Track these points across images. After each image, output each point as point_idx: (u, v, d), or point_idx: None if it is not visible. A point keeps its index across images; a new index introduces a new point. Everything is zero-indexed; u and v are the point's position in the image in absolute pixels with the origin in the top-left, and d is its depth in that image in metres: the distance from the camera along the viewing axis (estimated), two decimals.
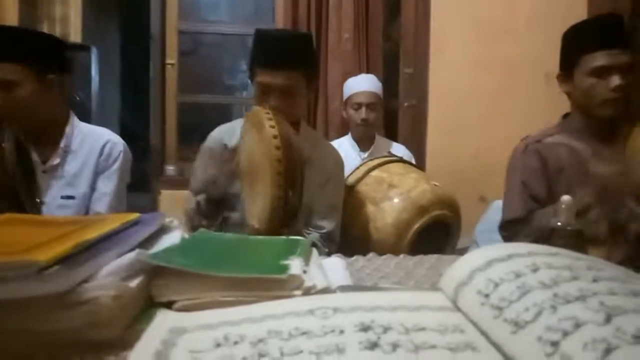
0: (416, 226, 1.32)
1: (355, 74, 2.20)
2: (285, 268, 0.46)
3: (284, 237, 0.64)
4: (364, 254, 0.78)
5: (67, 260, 0.38)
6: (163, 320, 0.39)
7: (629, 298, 0.28)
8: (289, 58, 1.21)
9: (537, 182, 1.25)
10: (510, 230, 1.28)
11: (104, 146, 1.44)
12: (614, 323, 0.26)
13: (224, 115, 2.86)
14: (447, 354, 0.30)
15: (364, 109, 2.02)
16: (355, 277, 0.58)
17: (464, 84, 2.38)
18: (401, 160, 1.58)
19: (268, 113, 0.99)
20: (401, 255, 0.72)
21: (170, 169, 2.54)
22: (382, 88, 2.12)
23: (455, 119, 2.39)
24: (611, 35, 1.21)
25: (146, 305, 0.44)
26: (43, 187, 1.32)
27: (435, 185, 1.42)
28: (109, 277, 0.40)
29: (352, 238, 1.38)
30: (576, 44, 1.26)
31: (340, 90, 2.22)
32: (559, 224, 0.65)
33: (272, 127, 0.94)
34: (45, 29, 2.45)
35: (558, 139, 1.30)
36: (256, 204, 1.01)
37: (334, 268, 0.56)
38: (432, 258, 0.69)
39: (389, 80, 2.38)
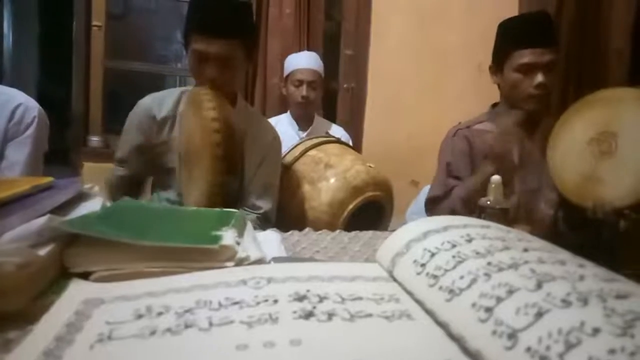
0: (351, 206, 1.34)
1: (295, 51, 2.16)
2: (217, 238, 0.44)
3: (217, 209, 0.61)
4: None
5: None
6: (77, 291, 0.35)
7: (556, 266, 0.29)
8: (228, 26, 1.16)
9: (462, 164, 1.32)
10: (432, 207, 1.35)
11: (15, 110, 1.30)
12: (545, 289, 0.26)
13: (156, 85, 2.71)
14: (383, 322, 0.30)
15: (305, 86, 2.00)
16: (290, 251, 0.56)
17: (401, 69, 2.43)
18: (338, 141, 1.59)
19: (207, 94, 0.94)
20: (337, 231, 0.72)
21: (94, 140, 2.37)
22: (322, 66, 2.10)
23: (391, 103, 2.43)
24: (539, 33, 1.28)
25: (58, 276, 0.40)
26: None
27: (371, 167, 1.44)
28: (13, 243, 0.36)
29: (288, 217, 1.37)
30: (507, 39, 1.33)
31: (279, 66, 2.17)
32: (489, 202, 0.68)
33: (212, 109, 0.89)
34: None
35: (485, 126, 1.37)
36: (193, 188, 0.96)
37: (268, 241, 0.55)
38: (367, 234, 0.69)
39: (329, 60, 2.37)
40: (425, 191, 1.82)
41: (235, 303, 0.31)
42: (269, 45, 2.30)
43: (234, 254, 0.43)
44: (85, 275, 0.40)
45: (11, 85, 1.44)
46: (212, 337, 0.27)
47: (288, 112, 2.10)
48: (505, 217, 0.66)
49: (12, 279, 0.33)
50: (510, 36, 1.32)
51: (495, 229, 0.38)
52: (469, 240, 0.34)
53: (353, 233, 0.69)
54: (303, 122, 2.06)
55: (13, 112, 1.30)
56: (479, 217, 0.66)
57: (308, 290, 0.33)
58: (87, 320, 0.31)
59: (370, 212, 1.41)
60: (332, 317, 0.30)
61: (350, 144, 1.88)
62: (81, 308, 0.32)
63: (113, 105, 2.41)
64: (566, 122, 1.15)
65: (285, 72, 2.08)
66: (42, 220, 0.40)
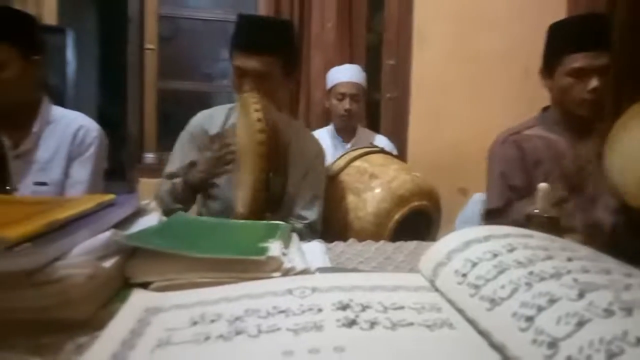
0: (396, 216, 1.34)
1: (338, 65, 2.19)
2: (264, 250, 0.46)
3: (264, 221, 0.63)
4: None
5: (39, 238, 0.37)
6: (138, 300, 0.38)
7: (600, 275, 0.29)
8: (264, 42, 1.21)
9: (516, 172, 1.28)
10: (490, 220, 1.31)
11: (77, 131, 1.40)
12: (587, 298, 0.26)
13: (204, 103, 2.82)
14: (425, 330, 0.30)
15: (347, 99, 2.02)
16: (334, 261, 0.58)
17: (445, 76, 2.40)
18: (382, 151, 1.59)
19: (254, 97, 0.99)
20: (381, 241, 0.73)
21: (149, 157, 2.50)
22: (365, 79, 2.12)
23: (435, 110, 2.41)
24: (593, 36, 1.23)
25: (121, 287, 0.43)
26: (15, 173, 1.28)
27: (416, 176, 1.43)
28: (82, 256, 0.39)
29: (333, 228, 1.39)
30: (558, 42, 1.28)
31: (322, 80, 2.21)
32: (536, 210, 0.66)
33: (257, 110, 0.94)
34: (16, 7, 2.36)
35: (536, 131, 1.32)
36: (241, 188, 1.00)
37: (313, 252, 0.56)
38: (412, 244, 0.69)
39: (372, 71, 2.38)
40: (475, 199, 1.78)
41: (282, 312, 0.33)
42: (312, 60, 2.35)
43: (280, 264, 0.44)
44: (145, 285, 0.43)
45: (74, 108, 1.55)
46: (261, 343, 0.29)
47: (331, 125, 2.12)
48: (554, 226, 0.64)
49: (82, 289, 0.37)
50: (562, 39, 1.27)
51: (539, 239, 0.37)
52: (511, 250, 0.34)
53: (397, 243, 0.70)
54: (346, 134, 2.08)
55: (75, 134, 1.40)
56: (525, 226, 0.65)
57: (351, 300, 0.34)
58: (148, 327, 0.33)
59: (418, 222, 1.40)
60: (374, 325, 0.31)
61: (395, 153, 1.87)
62: (142, 315, 0.35)
63: (166, 123, 2.53)
64: (626, 125, 1.09)
65: (328, 86, 2.12)
66: (106, 234, 0.44)
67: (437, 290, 0.37)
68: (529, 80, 1.53)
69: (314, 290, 0.36)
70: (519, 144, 1.30)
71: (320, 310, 0.33)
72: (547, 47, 1.33)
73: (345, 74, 2.07)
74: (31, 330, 0.35)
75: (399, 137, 2.38)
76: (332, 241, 0.71)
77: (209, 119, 1.32)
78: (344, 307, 0.33)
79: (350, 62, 2.26)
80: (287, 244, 0.52)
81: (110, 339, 0.32)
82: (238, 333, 0.30)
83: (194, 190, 1.24)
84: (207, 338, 0.30)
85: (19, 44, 1.27)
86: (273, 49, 1.21)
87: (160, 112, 2.54)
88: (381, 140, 2.07)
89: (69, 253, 0.39)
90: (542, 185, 0.67)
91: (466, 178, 2.21)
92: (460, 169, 2.28)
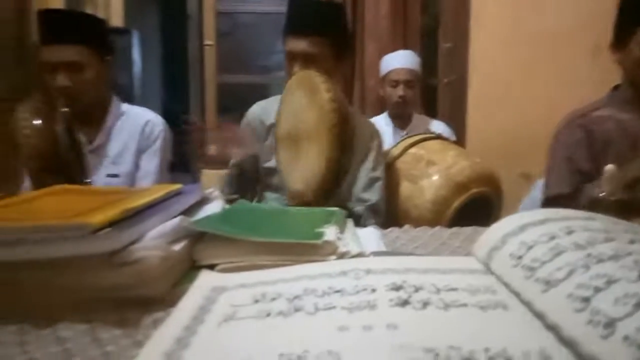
0: (455, 204, 1.31)
1: (391, 51, 2.16)
2: (320, 235, 0.48)
3: (320, 208, 0.65)
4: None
5: (117, 223, 0.41)
6: (205, 281, 0.41)
7: None
8: (313, 23, 1.21)
9: (582, 156, 1.21)
10: (556, 206, 1.25)
11: (144, 126, 1.50)
12: None
13: (261, 95, 2.89)
14: (477, 311, 0.31)
15: (401, 86, 2.00)
16: (389, 246, 0.58)
17: (504, 58, 2.29)
18: (439, 137, 1.56)
19: (320, 76, 0.98)
20: (437, 227, 0.72)
21: (210, 149, 2.60)
22: (420, 64, 2.08)
23: (496, 93, 2.31)
24: None
25: (190, 268, 0.47)
26: (89, 166, 1.39)
27: (476, 161, 1.39)
28: (155, 240, 0.43)
29: (390, 216, 1.38)
30: (632, 11, 1.19)
31: (377, 67, 2.19)
32: (603, 194, 0.63)
33: (328, 90, 0.93)
34: (89, 12, 2.53)
35: (605, 112, 1.24)
36: (303, 168, 1.00)
37: (368, 237, 0.58)
38: (468, 230, 0.68)
39: (428, 56, 2.33)
40: (539, 185, 1.71)
41: (337, 291, 0.34)
42: (365, 48, 2.33)
43: (336, 248, 0.46)
44: (211, 267, 0.46)
45: (140, 104, 1.66)
46: (317, 320, 0.31)
47: (386, 112, 2.11)
48: (622, 209, 0.61)
49: (156, 270, 0.40)
50: (636, 7, 1.18)
51: (601, 221, 0.36)
52: (569, 233, 0.34)
53: (454, 229, 0.69)
54: (401, 121, 2.06)
55: (143, 129, 1.49)
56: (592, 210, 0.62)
57: (404, 281, 0.35)
58: (215, 304, 0.36)
59: (478, 209, 1.36)
60: (426, 305, 0.32)
61: (453, 139, 1.83)
62: (210, 294, 0.38)
63: (226, 115, 2.63)
64: None
65: (382, 73, 2.10)
66: (175, 220, 0.47)
67: (491, 273, 0.37)
68: (597, 61, 1.43)
69: (368, 272, 0.38)
70: (587, 126, 1.23)
71: (374, 290, 0.34)
72: (618, 17, 1.24)
73: (399, 61, 2.04)
74: (115, 306, 0.39)
75: (457, 122, 2.31)
76: (388, 228, 0.72)
77: (264, 110, 1.36)
78: (397, 288, 0.34)
79: (404, 48, 2.23)
80: (342, 229, 0.54)
81: (182, 314, 0.35)
82: (296, 310, 0.32)
83: (250, 180, 1.28)
84: (268, 314, 0.32)
85: (95, 47, 1.37)
86: (322, 30, 1.21)
87: (220, 105, 2.63)
88: (438, 126, 2.03)
89: (144, 237, 0.43)
90: (609, 167, 0.64)
91: (530, 163, 2.11)
92: (523, 153, 2.19)
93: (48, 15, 1.36)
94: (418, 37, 2.37)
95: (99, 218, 0.40)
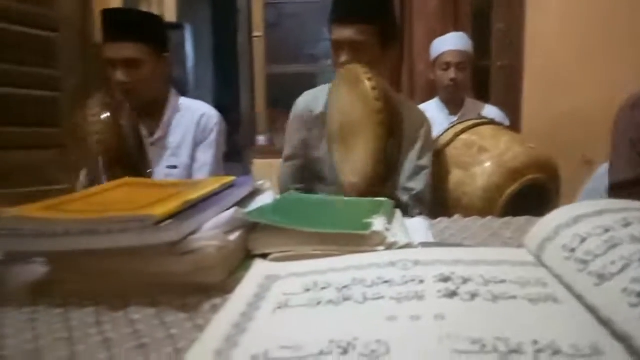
0: (509, 191, 1.27)
1: (441, 34, 2.11)
2: (368, 225, 0.49)
3: (368, 198, 0.66)
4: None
5: (177, 215, 0.44)
6: (259, 269, 0.43)
7: None
8: (359, 11, 1.19)
9: None
10: (620, 194, 1.18)
11: (200, 118, 1.56)
12: None
13: (309, 84, 2.91)
14: (527, 304, 0.31)
15: (452, 68, 1.95)
16: (438, 237, 0.58)
17: (563, 38, 2.17)
18: (492, 122, 1.51)
19: (361, 67, 0.99)
20: (488, 217, 0.71)
21: (261, 139, 2.66)
22: (472, 46, 2.01)
23: (553, 76, 2.20)
24: None
25: (244, 257, 0.49)
26: (151, 158, 1.47)
27: (531, 147, 1.34)
28: (212, 230, 0.45)
29: (439, 203, 1.37)
30: None
31: (427, 51, 2.14)
32: None
33: (370, 79, 0.94)
34: (144, 9, 2.64)
35: None
36: (354, 160, 1.02)
37: (417, 227, 0.58)
38: (521, 220, 0.67)
39: (480, 38, 2.25)
40: (601, 172, 1.62)
41: (386, 282, 0.35)
42: (414, 30, 2.29)
43: (384, 239, 0.47)
44: (264, 256, 0.48)
45: (194, 97, 1.72)
46: (366, 309, 0.32)
47: (437, 97, 2.06)
48: None
49: (214, 258, 0.43)
50: None
51: None
52: (626, 225, 0.33)
53: (505, 219, 0.68)
54: (453, 105, 2.01)
55: (199, 121, 1.56)
56: None
57: (452, 273, 0.36)
58: (268, 292, 0.38)
59: (533, 197, 1.32)
60: (474, 297, 0.32)
61: (507, 124, 1.77)
62: (264, 282, 0.40)
63: (275, 106, 2.67)
64: None
65: (432, 57, 2.05)
66: (230, 212, 0.50)
67: (543, 265, 0.37)
68: None
69: (416, 263, 0.38)
70: None
71: (421, 281, 0.35)
72: None
73: (450, 43, 1.99)
74: (178, 292, 0.43)
75: (512, 107, 2.23)
76: (436, 217, 0.72)
77: (313, 99, 1.37)
78: (445, 279, 0.35)
79: (455, 30, 2.16)
80: (390, 219, 0.54)
81: (238, 301, 0.37)
82: (346, 299, 0.34)
83: (308, 170, 1.30)
84: (319, 303, 0.34)
85: (153, 44, 1.43)
86: (369, 17, 1.19)
87: (270, 95, 2.68)
88: (491, 111, 1.96)
89: (202, 228, 0.46)
90: None
91: (590, 148, 2.00)
92: (583, 138, 2.08)
93: (109, 14, 1.44)
94: (469, 18, 2.29)
95: (161, 210, 0.43)
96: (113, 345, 0.35)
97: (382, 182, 0.94)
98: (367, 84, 0.92)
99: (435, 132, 1.46)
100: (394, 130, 0.93)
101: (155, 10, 2.66)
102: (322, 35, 3.07)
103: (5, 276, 0.49)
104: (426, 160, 1.30)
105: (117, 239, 0.41)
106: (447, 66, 1.95)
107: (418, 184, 1.26)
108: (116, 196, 0.56)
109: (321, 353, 0.26)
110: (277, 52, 2.78)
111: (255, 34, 2.61)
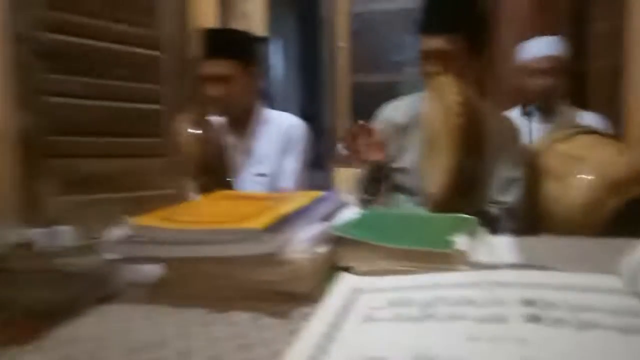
0: (609, 206, 1.18)
1: (530, 37, 2.00)
2: (451, 243, 0.50)
3: (452, 214, 0.66)
4: (546, 233, 0.74)
5: (273, 227, 0.49)
6: (345, 282, 0.46)
7: None
8: (448, 21, 1.17)
9: None
10: None
11: (287, 129, 1.64)
12: None
13: (393, 93, 2.90)
14: (616, 335, 0.31)
15: (543, 75, 1.85)
16: (525, 257, 0.57)
17: None
18: (591, 130, 1.42)
19: (448, 79, 0.98)
20: (581, 237, 0.68)
21: (341, 148, 2.70)
22: (564, 50, 1.90)
23: None
24: None
25: (331, 269, 0.53)
26: (239, 166, 1.58)
27: (637, 158, 1.24)
28: (303, 242, 0.49)
29: (532, 219, 1.31)
30: None
31: (513, 55, 2.05)
32: None
33: (456, 94, 0.93)
34: (234, 24, 2.81)
35: None
36: (435, 172, 1.02)
37: (502, 247, 0.57)
38: (619, 241, 0.63)
39: (575, 39, 2.11)
40: None
41: (468, 302, 0.37)
42: (500, 33, 2.20)
43: (467, 258, 0.48)
44: (348, 269, 0.51)
45: (279, 108, 1.82)
46: (448, 328, 0.34)
47: (524, 105, 1.97)
48: None
49: (305, 269, 0.47)
50: None
51: None
52: None
53: (601, 240, 0.64)
54: (544, 114, 1.91)
55: (286, 132, 1.64)
56: None
57: (537, 297, 0.36)
58: (354, 304, 0.41)
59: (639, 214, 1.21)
60: (559, 323, 0.32)
61: (608, 132, 1.64)
62: (350, 295, 0.43)
63: (358, 115, 2.70)
64: None
65: (520, 61, 1.96)
66: (318, 226, 0.54)
67: (637, 294, 0.36)
68: None
69: (499, 284, 0.39)
70: None
71: (504, 304, 0.35)
72: None
73: (539, 47, 1.88)
74: (272, 299, 0.47)
75: (613, 114, 2.06)
76: (528, 233, 0.70)
77: (395, 111, 1.38)
78: (529, 303, 0.35)
79: (547, 32, 2.04)
80: (474, 237, 0.55)
81: (326, 311, 0.40)
82: (428, 317, 0.35)
83: (381, 182, 1.31)
84: (402, 318, 0.36)
85: (243, 60, 1.54)
86: (458, 27, 1.17)
87: (353, 104, 2.72)
88: (589, 118, 1.84)
89: (293, 240, 0.50)
90: None
91: None
92: None
93: (206, 33, 1.57)
94: (565, 18, 2.15)
95: (260, 223, 0.48)
96: (219, 343, 0.40)
97: (459, 197, 0.93)
98: (452, 99, 0.92)
99: (524, 142, 1.40)
100: (478, 147, 0.92)
101: (244, 25, 2.82)
102: (407, 42, 3.05)
103: (120, 274, 0.57)
104: (517, 172, 1.25)
105: (224, 249, 0.47)
106: (537, 72, 1.85)
107: (509, 197, 1.22)
108: (217, 209, 0.62)
109: None
110: (361, 62, 2.82)
111: (339, 44, 2.68)
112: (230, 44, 1.54)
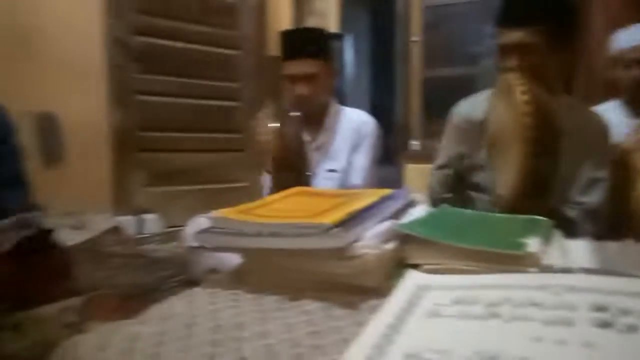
0: None
1: (625, 25, 1.84)
2: (523, 245, 0.50)
3: (524, 216, 0.65)
4: (636, 235, 0.70)
5: (344, 223, 0.51)
6: (412, 278, 0.48)
7: None
8: (526, 12, 1.11)
9: None
10: None
11: (358, 125, 1.66)
12: None
13: (468, 87, 2.81)
14: None
15: (638, 66, 1.70)
16: (602, 263, 0.55)
17: None
18: None
19: (517, 78, 0.95)
20: None
21: (414, 144, 2.68)
22: None
23: None
24: None
25: (398, 265, 0.54)
26: (312, 162, 1.62)
27: None
28: (372, 239, 0.52)
29: (621, 219, 1.22)
30: None
31: (605, 45, 1.91)
32: None
33: (523, 92, 0.90)
34: (309, 22, 2.88)
35: None
36: (505, 173, 0.99)
37: (577, 250, 0.56)
38: None
39: None
40: None
41: (535, 304, 0.37)
42: (591, 22, 2.05)
43: (538, 261, 0.47)
44: (415, 266, 0.53)
45: (351, 104, 1.84)
46: (512, 328, 0.34)
47: (618, 99, 1.82)
48: None
49: (373, 264, 0.49)
50: None
51: None
52: None
53: None
54: (638, 108, 1.76)
55: (357, 128, 1.66)
56: None
57: (610, 303, 0.35)
58: (420, 300, 0.43)
59: None
60: (633, 330, 0.32)
61: None
62: (416, 291, 0.44)
63: (431, 110, 2.66)
64: None
65: (614, 52, 1.82)
66: (387, 223, 0.56)
67: None
68: None
69: (569, 289, 0.39)
70: None
71: (573, 308, 0.35)
72: None
73: (636, 35, 1.74)
74: (342, 290, 0.50)
75: None
76: (613, 236, 0.67)
77: (471, 107, 1.34)
78: (600, 309, 0.35)
79: None
80: (547, 240, 0.54)
81: (393, 305, 0.42)
82: (493, 316, 0.36)
83: (463, 180, 1.29)
84: (466, 316, 0.37)
85: (325, 58, 1.59)
86: (542, 17, 1.11)
87: (426, 100, 2.67)
88: None
89: (363, 236, 0.52)
90: None
91: None
92: None
93: (288, 34, 1.63)
94: None
95: (331, 219, 0.51)
96: (293, 329, 0.43)
97: (530, 199, 0.90)
98: (519, 97, 0.88)
99: (616, 138, 1.30)
100: (550, 147, 0.88)
101: (319, 22, 2.87)
102: (483, 33, 2.93)
103: (201, 261, 0.62)
104: (601, 171, 1.18)
105: (297, 242, 0.50)
106: (632, 63, 1.71)
107: (591, 199, 1.15)
108: (292, 204, 0.66)
109: None
110: (435, 55, 2.76)
111: (413, 38, 2.64)
112: (312, 43, 1.59)
